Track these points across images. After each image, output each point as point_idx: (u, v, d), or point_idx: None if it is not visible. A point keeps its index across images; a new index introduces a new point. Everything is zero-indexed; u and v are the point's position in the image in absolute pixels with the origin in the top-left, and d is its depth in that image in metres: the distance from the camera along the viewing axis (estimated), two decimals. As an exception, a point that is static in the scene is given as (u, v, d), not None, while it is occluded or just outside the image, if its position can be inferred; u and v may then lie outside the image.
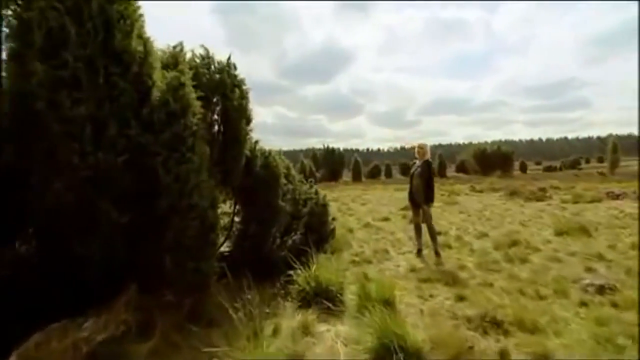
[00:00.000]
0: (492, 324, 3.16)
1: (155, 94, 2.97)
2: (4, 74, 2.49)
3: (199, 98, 3.25)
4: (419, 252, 6.09)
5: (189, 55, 3.89)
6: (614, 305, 3.54)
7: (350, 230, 8.12)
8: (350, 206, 13.51)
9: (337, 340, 3.11)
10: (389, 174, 53.02)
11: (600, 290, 3.80)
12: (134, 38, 2.80)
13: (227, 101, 3.86)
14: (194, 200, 3.08)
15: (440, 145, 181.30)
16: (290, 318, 3.46)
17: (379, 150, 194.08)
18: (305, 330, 3.23)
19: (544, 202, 12.75)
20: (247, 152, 4.14)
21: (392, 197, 17.38)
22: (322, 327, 3.33)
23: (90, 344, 2.49)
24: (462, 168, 50.88)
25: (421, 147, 6.20)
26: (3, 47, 2.45)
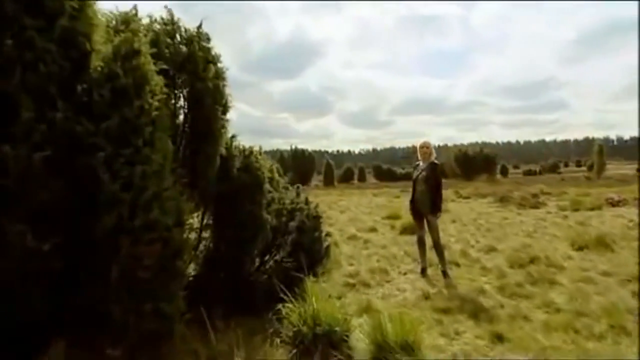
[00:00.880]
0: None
1: (96, 62, 2.22)
2: None
3: (160, 74, 2.52)
4: (424, 272, 5.55)
5: (145, 21, 3.13)
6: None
7: (335, 244, 7.49)
8: (328, 214, 12.87)
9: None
10: (362, 178, 53.05)
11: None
12: (64, -22, 2.04)
13: (198, 82, 3.13)
14: (152, 215, 2.34)
15: (413, 147, 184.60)
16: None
17: (349, 152, 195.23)
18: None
19: (540, 209, 12.67)
20: (222, 149, 3.42)
21: (372, 203, 16.96)
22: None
23: None
24: (440, 172, 51.40)
25: (425, 147, 5.68)
26: None
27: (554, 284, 4.69)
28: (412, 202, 5.69)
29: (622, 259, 5.63)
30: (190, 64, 3.12)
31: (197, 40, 3.18)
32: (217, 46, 3.25)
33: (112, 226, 2.19)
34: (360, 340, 3.14)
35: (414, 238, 8.03)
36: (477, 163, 30.25)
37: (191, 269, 3.93)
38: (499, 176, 37.90)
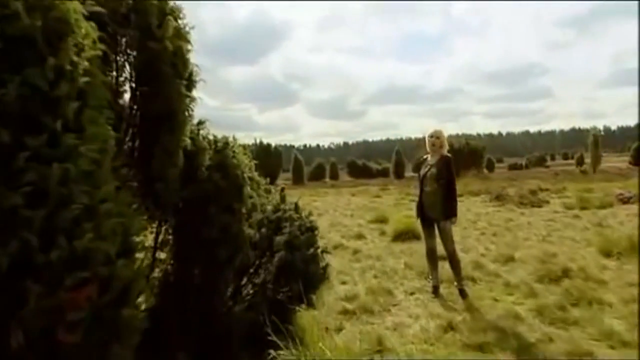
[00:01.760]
0: None
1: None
2: None
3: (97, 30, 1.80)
4: (436, 291, 5.03)
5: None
6: None
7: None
8: (305, 218, 12.28)
9: None
10: (335, 175, 52.88)
11: None
12: None
13: (151, 42, 2.41)
14: (82, 243, 1.63)
15: (389, 140, 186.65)
16: None
17: (318, 146, 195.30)
18: None
19: (544, 207, 12.56)
20: (187, 140, 2.71)
21: (351, 204, 16.50)
22: None
23: None
24: (419, 166, 51.69)
25: (436, 137, 5.14)
26: None
27: (602, 305, 4.24)
28: (420, 205, 5.15)
29: (667, 269, 5.27)
30: (139, 16, 2.39)
31: (149, -17, 2.45)
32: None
33: (11, 263, 1.46)
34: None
35: (411, 246, 7.76)
36: (463, 157, 30.34)
37: (142, 303, 3.21)
38: (485, 171, 38.38)
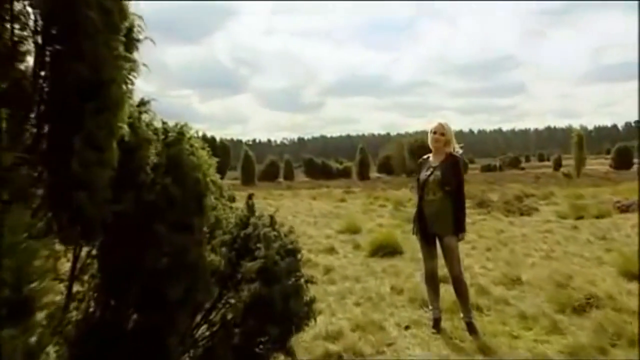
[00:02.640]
0: None
1: None
2: None
3: None
4: (437, 325, 4.59)
5: None
6: None
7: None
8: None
9: None
10: (290, 175, 52.35)
11: None
12: None
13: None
14: None
15: (349, 136, 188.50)
16: None
17: (269, 141, 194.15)
18: None
19: (533, 216, 12.58)
20: (124, 127, 2.06)
21: (314, 209, 16.06)
22: None
23: None
24: (386, 167, 52.54)
25: (440, 133, 4.69)
26: None
27: (646, 344, 3.90)
28: (419, 217, 4.69)
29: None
30: None
31: None
32: None
33: None
34: None
35: (393, 263, 7.37)
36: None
37: (51, 353, 2.52)
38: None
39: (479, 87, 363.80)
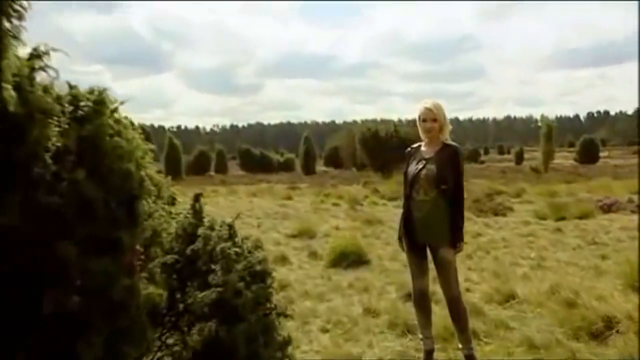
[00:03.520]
0: None
1: None
2: None
3: None
4: (429, 357, 4.14)
5: None
6: None
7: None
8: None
9: None
10: (223, 168, 51.36)
11: None
12: None
13: None
14: None
15: (290, 124, 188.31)
16: None
17: (197, 128, 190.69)
18: None
19: (509, 217, 12.63)
20: (6, 87, 1.41)
21: (255, 208, 15.48)
22: None
23: None
24: (334, 159, 52.49)
25: (432, 118, 4.15)
26: None
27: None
28: (407, 222, 4.21)
29: None
30: None
31: None
32: None
33: None
34: None
35: (360, 275, 7.06)
36: (391, 149, 30.56)
37: None
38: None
39: (434, 70, 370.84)
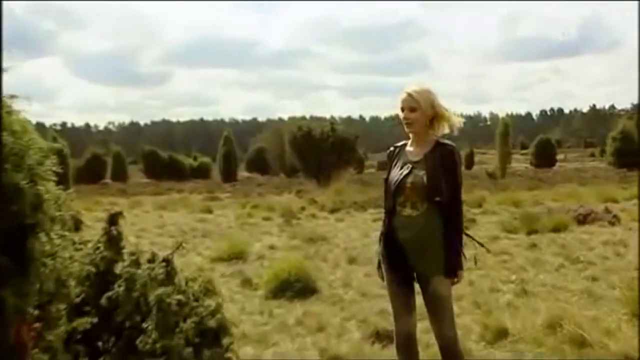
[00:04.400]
0: None
1: None
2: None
3: None
4: (417, 420, 3.84)
5: None
6: None
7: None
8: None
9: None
10: (121, 174, 50.11)
11: None
12: None
13: None
14: None
15: (204, 122, 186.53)
16: None
17: (89, 126, 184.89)
18: None
19: (474, 231, 12.46)
20: None
21: (167, 225, 15.21)
22: None
23: None
24: (259, 163, 52.11)
25: (410, 107, 3.80)
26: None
27: None
28: (388, 243, 3.86)
29: None
30: None
31: None
32: None
33: None
34: None
35: (310, 309, 6.93)
36: (327, 150, 30.60)
37: None
38: (351, 170, 39.66)
39: (373, 61, 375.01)
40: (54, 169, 1.48)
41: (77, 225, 2.30)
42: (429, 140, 3.82)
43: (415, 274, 3.89)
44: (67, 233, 1.74)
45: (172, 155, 54.19)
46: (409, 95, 3.79)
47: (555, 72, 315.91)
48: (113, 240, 2.28)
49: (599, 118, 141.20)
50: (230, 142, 49.00)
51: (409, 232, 3.75)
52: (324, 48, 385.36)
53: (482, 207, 16.61)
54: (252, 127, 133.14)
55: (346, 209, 17.31)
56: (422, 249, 3.74)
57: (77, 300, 2.08)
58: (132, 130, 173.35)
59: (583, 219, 12.71)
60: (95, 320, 2.09)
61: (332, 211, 17.06)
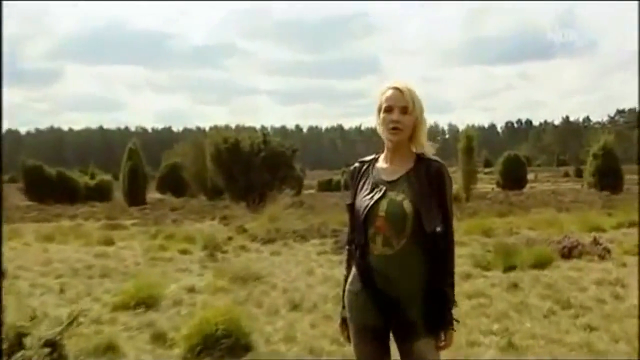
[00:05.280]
0: None
1: None
2: None
3: None
4: None
5: None
6: None
7: None
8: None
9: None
10: (-1, 195, 48.51)
11: None
12: None
13: None
14: None
15: (104, 130, 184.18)
16: None
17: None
18: None
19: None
20: None
21: (54, 262, 14.59)
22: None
23: None
24: (173, 182, 51.69)
25: (402, 108, 3.51)
26: None
27: None
28: (356, 294, 3.58)
29: None
30: None
31: None
32: None
33: None
34: None
35: None
36: (258, 166, 30.83)
37: None
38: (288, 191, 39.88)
39: (312, 60, 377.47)
40: None
41: None
42: (408, 155, 3.56)
43: (389, 332, 3.61)
44: None
45: (62, 172, 53.49)
46: (400, 91, 3.51)
47: (523, 78, 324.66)
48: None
49: (573, 132, 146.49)
50: (137, 156, 48.51)
51: (383, 276, 3.47)
52: (253, 44, 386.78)
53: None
54: (165, 138, 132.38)
55: (283, 239, 17.30)
56: (403, 301, 3.47)
57: None
58: (10, 139, 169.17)
59: (568, 253, 12.88)
60: None
61: (266, 242, 17.05)
